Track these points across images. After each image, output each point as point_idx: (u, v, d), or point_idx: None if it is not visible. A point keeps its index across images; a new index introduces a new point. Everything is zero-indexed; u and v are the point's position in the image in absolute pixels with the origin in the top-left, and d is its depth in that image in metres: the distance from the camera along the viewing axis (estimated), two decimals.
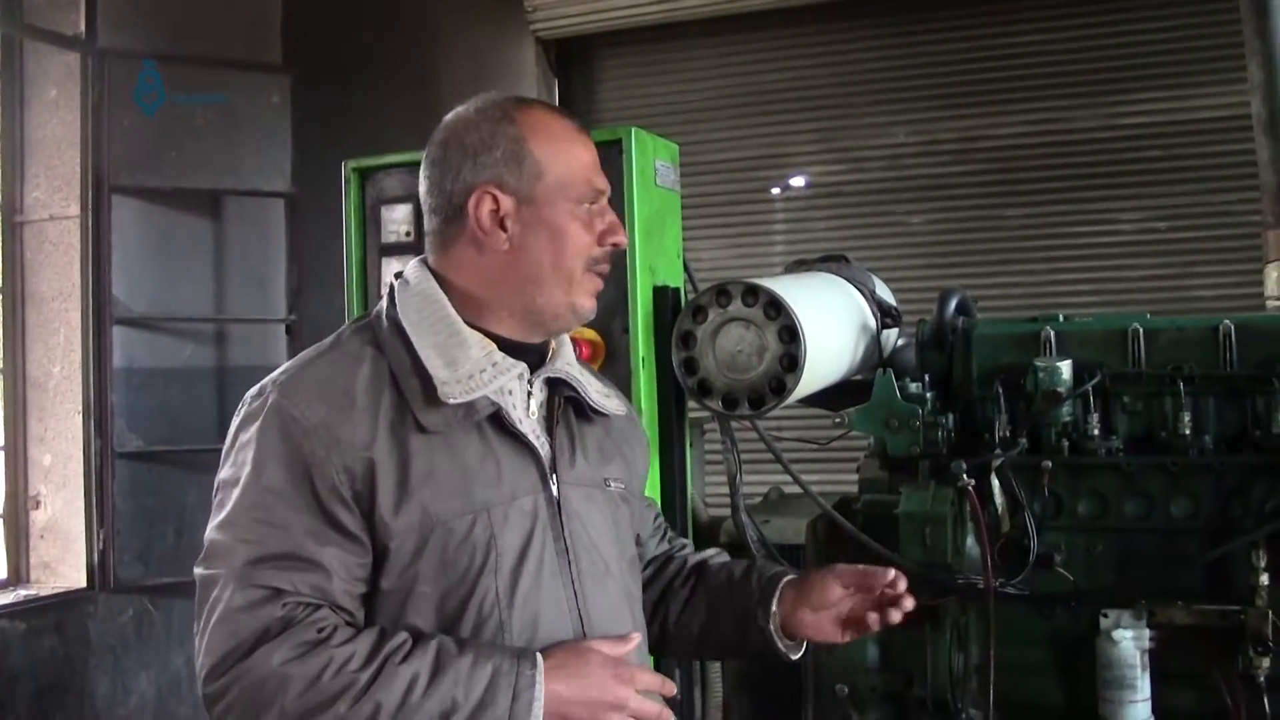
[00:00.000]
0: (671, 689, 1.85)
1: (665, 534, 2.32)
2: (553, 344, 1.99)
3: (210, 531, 1.73)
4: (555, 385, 1.94)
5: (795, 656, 2.11)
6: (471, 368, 1.80)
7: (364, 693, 1.60)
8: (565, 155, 1.88)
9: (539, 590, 1.79)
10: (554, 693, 1.68)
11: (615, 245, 1.90)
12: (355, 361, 1.81)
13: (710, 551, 2.29)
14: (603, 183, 1.92)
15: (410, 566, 1.73)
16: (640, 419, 2.34)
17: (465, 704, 1.63)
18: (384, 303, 1.92)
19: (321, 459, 1.71)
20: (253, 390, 1.82)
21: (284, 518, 1.69)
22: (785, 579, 2.09)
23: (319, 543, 1.69)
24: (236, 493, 1.72)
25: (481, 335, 1.86)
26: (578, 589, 1.84)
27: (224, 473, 1.77)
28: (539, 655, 1.70)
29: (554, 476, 1.86)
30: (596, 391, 1.98)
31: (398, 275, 1.97)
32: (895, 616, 1.99)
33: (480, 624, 1.74)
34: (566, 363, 1.96)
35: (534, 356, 1.93)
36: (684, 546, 2.32)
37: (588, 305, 1.90)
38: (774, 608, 2.06)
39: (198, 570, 1.72)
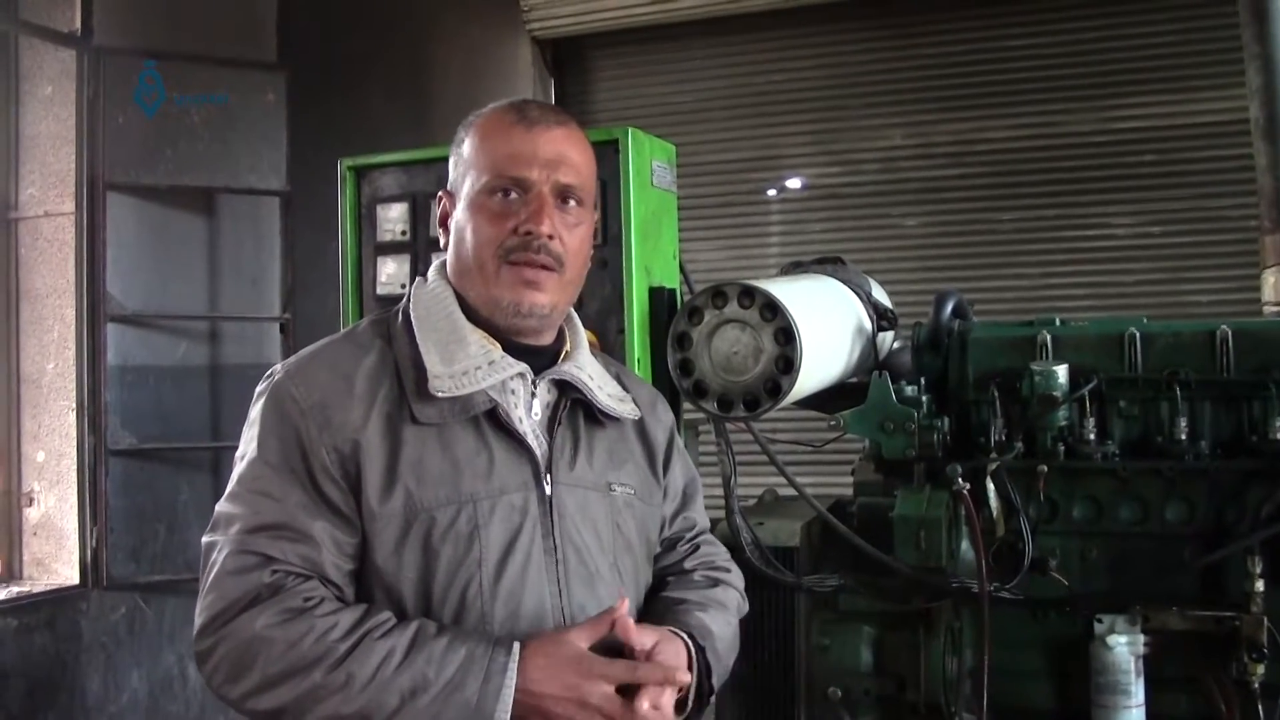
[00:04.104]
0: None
1: (693, 551, 2.16)
2: (567, 345, 2.00)
3: (219, 503, 1.82)
4: (566, 387, 1.94)
5: None
6: (467, 364, 1.83)
7: (339, 663, 1.66)
8: (485, 148, 1.90)
9: (523, 586, 1.80)
10: (526, 683, 1.69)
11: (528, 233, 1.84)
12: (362, 351, 1.89)
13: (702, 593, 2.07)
14: (526, 172, 1.86)
15: (395, 551, 1.77)
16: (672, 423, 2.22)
17: (436, 683, 1.66)
18: (404, 299, 1.98)
19: (314, 438, 1.78)
20: (268, 372, 1.90)
21: (280, 490, 1.77)
22: None
23: (310, 516, 1.76)
24: (242, 467, 1.82)
25: (485, 335, 1.89)
26: (563, 589, 1.84)
27: (238, 450, 1.86)
28: (516, 644, 1.72)
29: (548, 476, 1.86)
30: (608, 395, 1.97)
31: (422, 273, 2.03)
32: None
33: (461, 613, 1.77)
34: (577, 365, 1.96)
35: (544, 358, 1.95)
36: (700, 568, 2.14)
37: (509, 297, 1.86)
38: None
39: (204, 538, 1.81)
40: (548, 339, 1.96)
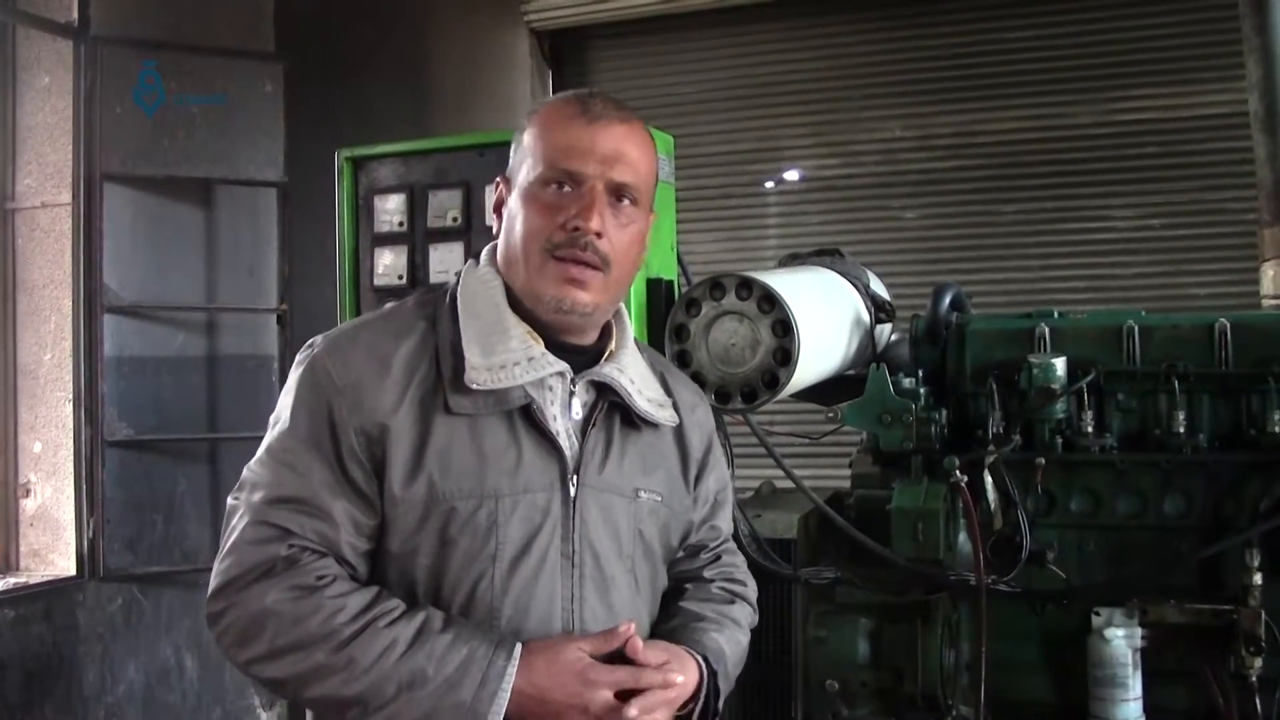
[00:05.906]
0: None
1: (714, 560, 2.13)
2: (611, 345, 1.96)
3: (250, 462, 1.84)
4: (604, 389, 1.91)
5: None
6: (506, 358, 1.81)
7: (343, 646, 1.68)
8: (544, 138, 1.86)
9: (535, 586, 1.79)
10: (521, 688, 1.69)
11: (576, 229, 1.79)
12: (403, 332, 1.87)
13: (712, 608, 2.04)
14: (580, 165, 1.81)
15: (412, 537, 1.78)
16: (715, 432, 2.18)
17: (434, 679, 1.67)
18: (453, 280, 1.96)
19: (344, 419, 1.77)
20: (310, 341, 1.90)
21: (305, 465, 1.77)
22: None
23: (332, 495, 1.76)
24: (273, 434, 1.83)
25: (529, 329, 1.86)
26: (577, 593, 1.82)
27: (273, 413, 1.87)
28: (518, 646, 1.71)
29: (575, 478, 1.84)
30: (647, 400, 1.93)
31: (475, 256, 2.00)
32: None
33: (470, 607, 1.77)
34: (619, 367, 1.92)
35: (587, 356, 1.91)
36: (719, 579, 2.11)
37: (551, 292, 1.82)
38: None
39: (229, 498, 1.83)
40: (590, 338, 1.93)
